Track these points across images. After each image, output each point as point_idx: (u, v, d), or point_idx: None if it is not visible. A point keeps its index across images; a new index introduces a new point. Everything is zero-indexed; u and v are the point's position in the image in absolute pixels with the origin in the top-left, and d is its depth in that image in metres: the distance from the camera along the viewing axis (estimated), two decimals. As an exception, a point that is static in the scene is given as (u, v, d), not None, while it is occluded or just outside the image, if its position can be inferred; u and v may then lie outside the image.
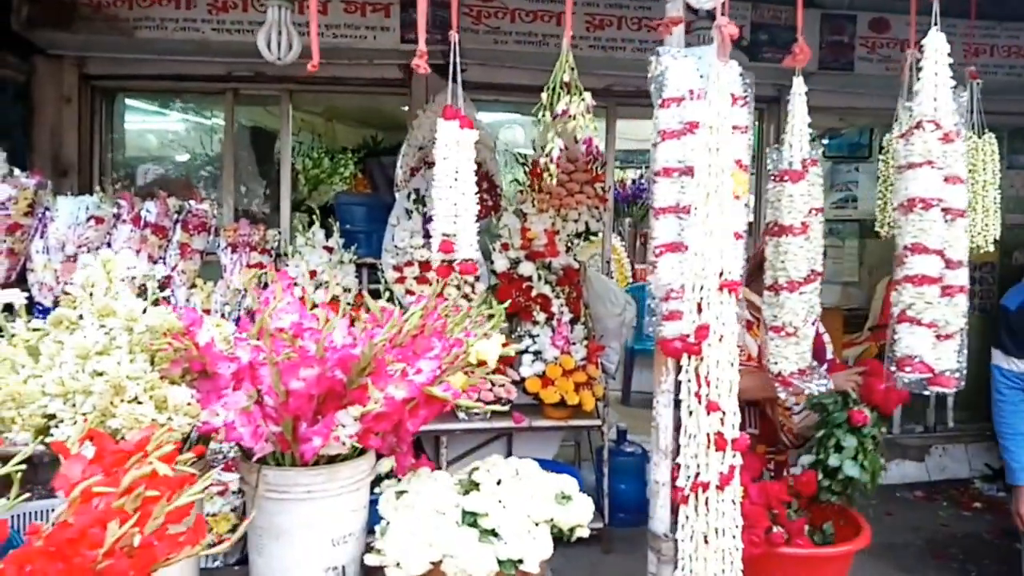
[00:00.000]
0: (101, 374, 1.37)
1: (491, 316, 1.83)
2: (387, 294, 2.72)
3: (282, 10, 2.33)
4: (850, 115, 5.35)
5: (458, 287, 3.47)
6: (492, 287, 3.69)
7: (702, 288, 1.60)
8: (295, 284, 2.28)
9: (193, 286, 3.13)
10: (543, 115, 1.94)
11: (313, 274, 3.30)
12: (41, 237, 3.17)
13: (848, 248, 6.24)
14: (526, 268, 3.67)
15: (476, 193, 1.90)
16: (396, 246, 3.50)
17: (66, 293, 1.50)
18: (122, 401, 1.36)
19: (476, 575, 1.56)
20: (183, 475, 1.15)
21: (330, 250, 3.32)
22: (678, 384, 1.71)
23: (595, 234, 4.02)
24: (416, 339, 1.67)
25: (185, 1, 3.72)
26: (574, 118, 1.87)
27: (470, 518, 1.68)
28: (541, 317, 3.62)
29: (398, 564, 1.60)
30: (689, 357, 1.62)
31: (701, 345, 1.59)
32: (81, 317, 1.47)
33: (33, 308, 3.14)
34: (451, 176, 1.88)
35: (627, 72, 4.19)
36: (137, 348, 1.45)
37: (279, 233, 3.58)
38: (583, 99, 1.91)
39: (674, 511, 1.86)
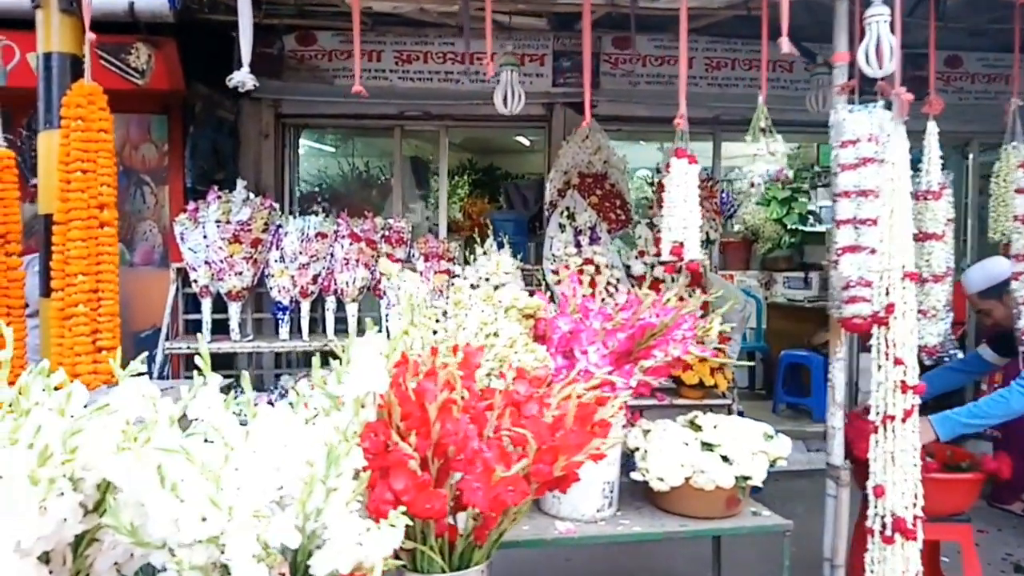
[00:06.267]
0: (494, 335, 2.07)
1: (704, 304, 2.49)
2: (548, 293, 3.37)
3: (512, 72, 3.02)
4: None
5: (606, 288, 4.13)
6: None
7: (888, 278, 2.24)
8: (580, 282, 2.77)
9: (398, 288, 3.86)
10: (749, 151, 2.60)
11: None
12: (277, 249, 3.89)
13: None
14: (660, 271, 4.30)
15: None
16: (554, 255, 4.17)
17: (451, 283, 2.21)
18: (513, 352, 2.06)
19: (722, 484, 2.22)
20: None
21: (502, 258, 4.00)
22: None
23: (713, 242, 4.64)
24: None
25: (376, 55, 4.48)
26: (772, 154, 2.54)
27: (707, 447, 2.34)
28: (675, 313, 4.25)
29: (660, 478, 2.26)
30: (878, 328, 2.26)
31: (889, 319, 2.23)
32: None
33: (274, 306, 3.88)
34: (681, 197, 2.55)
35: (734, 104, 4.78)
36: (511, 319, 2.14)
37: (458, 245, 4.28)
38: (776, 139, 2.57)
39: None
